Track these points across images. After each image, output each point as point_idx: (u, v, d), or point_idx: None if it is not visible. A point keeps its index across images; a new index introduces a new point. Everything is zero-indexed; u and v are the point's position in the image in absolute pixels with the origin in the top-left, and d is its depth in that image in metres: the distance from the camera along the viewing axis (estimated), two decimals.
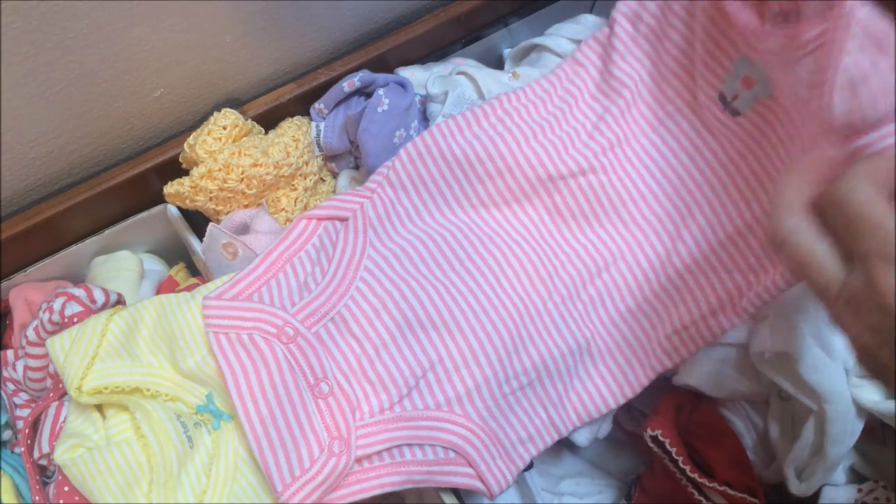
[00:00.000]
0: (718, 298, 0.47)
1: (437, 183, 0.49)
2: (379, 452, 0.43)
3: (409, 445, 0.44)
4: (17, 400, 0.52)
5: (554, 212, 0.50)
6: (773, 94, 0.45)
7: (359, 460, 0.43)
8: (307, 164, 0.57)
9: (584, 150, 0.50)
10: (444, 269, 0.48)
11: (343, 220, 0.49)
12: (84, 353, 0.44)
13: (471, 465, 0.45)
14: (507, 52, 0.67)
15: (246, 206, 0.56)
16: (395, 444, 0.44)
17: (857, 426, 0.47)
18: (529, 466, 0.50)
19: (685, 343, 0.47)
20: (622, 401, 0.48)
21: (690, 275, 0.47)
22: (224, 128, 0.54)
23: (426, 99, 0.57)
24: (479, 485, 0.45)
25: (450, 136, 0.50)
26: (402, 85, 0.56)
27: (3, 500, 0.47)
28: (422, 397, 0.45)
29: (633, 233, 0.49)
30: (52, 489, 0.45)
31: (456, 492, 0.49)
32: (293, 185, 0.57)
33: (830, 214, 0.32)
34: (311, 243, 0.48)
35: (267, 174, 0.54)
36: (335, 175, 0.61)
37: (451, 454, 0.45)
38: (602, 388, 0.48)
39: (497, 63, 0.67)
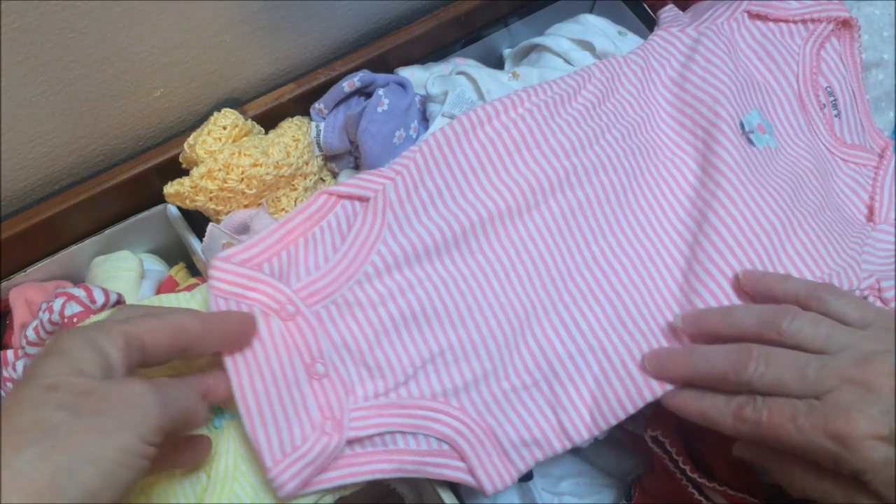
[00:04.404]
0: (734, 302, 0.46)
1: (463, 169, 0.49)
2: (371, 438, 0.44)
3: (403, 434, 0.44)
4: None
5: (569, 213, 0.49)
6: (779, 148, 0.52)
7: (350, 444, 0.43)
8: (307, 164, 0.57)
9: (613, 146, 0.51)
10: (456, 261, 0.48)
11: (363, 199, 0.49)
12: None
13: (463, 460, 0.45)
14: (507, 52, 0.67)
15: (246, 206, 0.56)
16: (387, 431, 0.44)
17: None
18: (530, 477, 0.50)
19: None
20: (640, 404, 0.46)
21: (712, 278, 0.47)
22: (224, 128, 0.54)
23: (426, 99, 0.57)
24: (470, 480, 0.45)
25: (478, 125, 0.50)
26: (402, 85, 0.56)
27: None
28: (418, 386, 0.45)
29: (651, 239, 0.49)
30: None
31: (455, 491, 0.49)
32: (293, 185, 0.57)
33: None
34: (327, 220, 0.48)
35: (267, 174, 0.54)
36: (335, 175, 0.61)
37: (444, 446, 0.45)
38: (620, 393, 0.46)
39: (497, 63, 0.67)
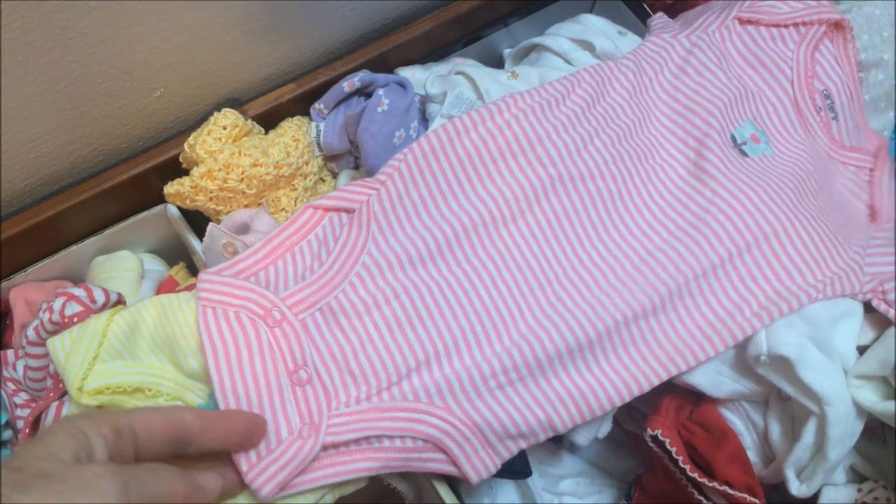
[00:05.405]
0: (729, 303, 0.47)
1: (448, 177, 0.49)
2: (357, 440, 0.44)
3: (389, 437, 0.44)
4: (17, 400, 0.52)
5: (555, 219, 0.49)
6: (775, 155, 0.53)
7: (335, 446, 0.44)
8: (307, 164, 0.57)
9: (602, 152, 0.51)
10: (442, 269, 0.48)
11: (349, 211, 0.49)
12: (85, 354, 0.44)
13: (448, 455, 0.45)
14: (507, 52, 0.67)
15: (246, 206, 0.56)
16: (371, 434, 0.44)
17: (858, 427, 0.47)
18: (528, 474, 0.50)
19: (701, 345, 0.47)
20: (627, 398, 0.47)
21: (705, 280, 0.48)
22: (224, 128, 0.54)
23: (425, 99, 0.57)
24: (455, 471, 0.45)
25: (463, 132, 0.50)
26: (402, 85, 0.56)
27: None
28: (401, 389, 0.45)
29: (641, 242, 0.49)
30: None
31: (455, 491, 0.49)
32: (293, 185, 0.57)
33: None
34: (315, 233, 0.48)
35: (267, 174, 0.54)
36: (335, 175, 0.61)
37: (430, 443, 0.45)
38: (606, 385, 0.47)
39: (497, 63, 0.67)
